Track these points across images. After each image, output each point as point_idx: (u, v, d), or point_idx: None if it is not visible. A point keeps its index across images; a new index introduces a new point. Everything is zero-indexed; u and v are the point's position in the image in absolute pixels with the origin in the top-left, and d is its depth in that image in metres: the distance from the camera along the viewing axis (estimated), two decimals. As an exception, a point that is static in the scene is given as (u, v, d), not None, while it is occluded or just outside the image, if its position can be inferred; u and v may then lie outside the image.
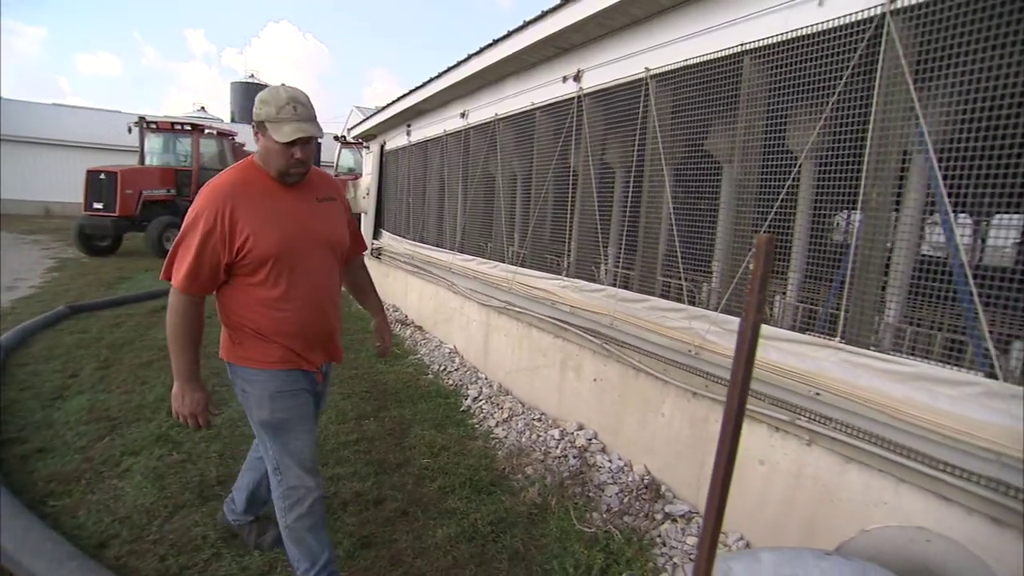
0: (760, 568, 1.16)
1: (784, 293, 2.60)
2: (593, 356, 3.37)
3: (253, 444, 2.31)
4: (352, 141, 11.89)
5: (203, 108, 33.43)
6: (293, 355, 1.91)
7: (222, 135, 14.20)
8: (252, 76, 38.83)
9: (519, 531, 2.56)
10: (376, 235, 8.76)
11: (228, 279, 1.84)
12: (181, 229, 1.77)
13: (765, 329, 2.37)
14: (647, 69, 2.93)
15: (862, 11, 2.00)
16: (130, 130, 12.96)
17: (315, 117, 1.85)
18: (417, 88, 6.16)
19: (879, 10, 1.94)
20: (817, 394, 2.11)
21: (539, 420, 3.68)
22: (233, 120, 32.36)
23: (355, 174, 13.37)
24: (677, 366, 2.75)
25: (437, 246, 6.13)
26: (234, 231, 1.74)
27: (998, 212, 2.68)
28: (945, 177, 1.88)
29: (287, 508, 1.93)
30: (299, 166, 1.85)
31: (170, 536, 2.42)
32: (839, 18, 2.07)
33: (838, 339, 2.10)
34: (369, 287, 2.39)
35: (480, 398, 4.19)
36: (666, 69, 2.84)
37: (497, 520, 2.63)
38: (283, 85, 1.84)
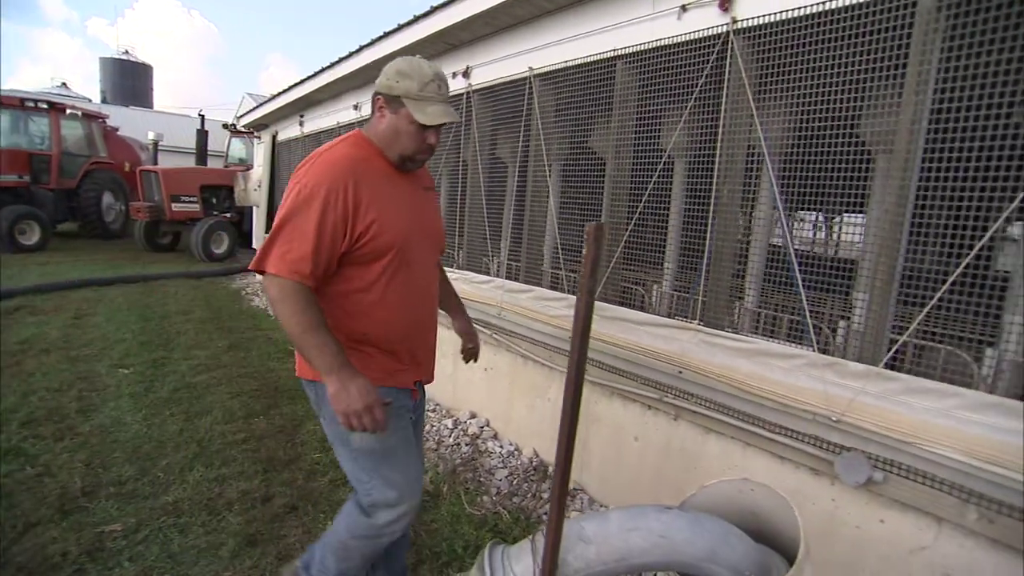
0: (609, 525, 1.29)
1: (660, 282, 2.83)
2: (484, 346, 3.47)
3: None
4: (242, 130, 11.20)
5: (64, 84, 29.78)
6: (393, 369, 1.62)
7: (90, 117, 12.82)
8: (127, 52, 35.09)
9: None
10: (269, 229, 8.37)
11: (338, 268, 1.53)
12: (285, 208, 1.44)
13: (638, 315, 2.58)
14: (531, 68, 3.06)
15: (711, 28, 2.23)
16: None
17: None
18: (309, 78, 5.96)
19: (724, 28, 2.18)
20: (680, 372, 2.33)
21: (433, 411, 3.73)
22: (104, 100, 29.20)
23: (246, 165, 12.61)
24: (561, 352, 2.91)
25: (333, 240, 5.98)
26: (357, 212, 1.45)
27: (847, 212, 3.09)
28: (783, 178, 2.15)
29: (362, 535, 1.66)
30: (428, 152, 1.61)
31: (18, 559, 2.20)
32: (694, 32, 2.30)
33: (697, 322, 2.34)
34: (449, 284, 2.07)
35: (376, 393, 4.16)
36: (549, 69, 2.98)
37: (388, 510, 2.65)
38: (422, 58, 1.58)
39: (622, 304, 2.73)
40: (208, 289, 8.38)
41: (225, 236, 11.25)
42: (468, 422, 3.48)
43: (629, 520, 1.29)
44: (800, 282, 2.02)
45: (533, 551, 1.27)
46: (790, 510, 1.35)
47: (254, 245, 9.53)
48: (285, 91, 6.88)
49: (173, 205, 11.33)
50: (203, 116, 13.72)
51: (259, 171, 8.90)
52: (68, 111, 12.22)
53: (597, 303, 2.73)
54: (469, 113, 3.54)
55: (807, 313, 1.99)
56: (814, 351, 1.97)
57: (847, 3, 1.84)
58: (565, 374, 2.86)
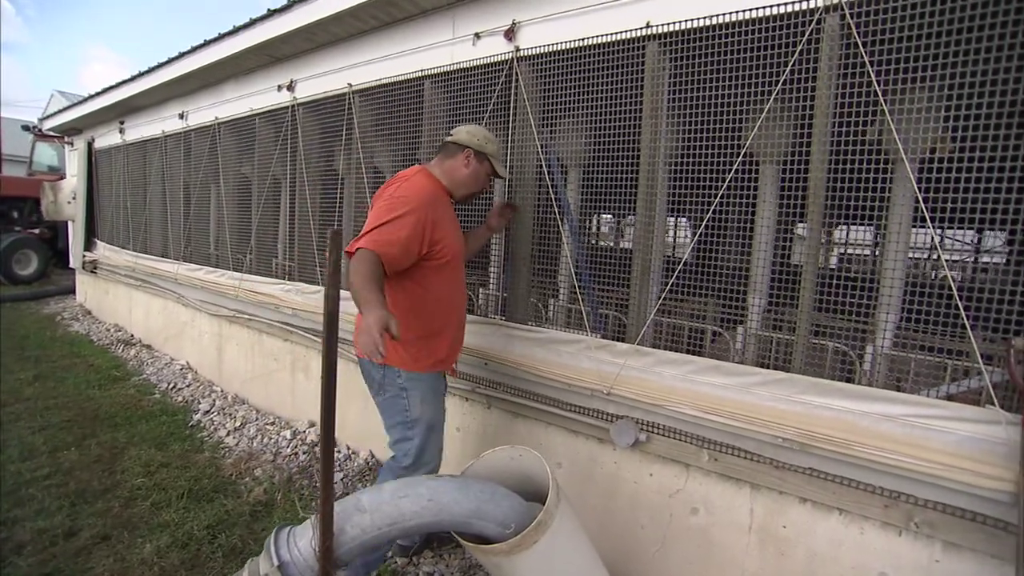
0: (382, 495, 1.45)
1: (484, 286, 3.06)
2: (319, 355, 3.48)
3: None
4: (51, 134, 9.74)
5: None
6: (444, 357, 2.14)
7: None
8: None
9: (239, 529, 2.57)
10: (89, 246, 7.52)
11: (409, 274, 1.96)
12: (381, 213, 1.87)
13: (454, 314, 2.78)
14: (350, 84, 3.17)
15: (500, 54, 2.51)
16: None
17: None
18: (126, 81, 5.51)
19: (510, 55, 2.47)
20: (486, 364, 2.57)
21: (272, 424, 3.67)
22: None
23: (58, 174, 10.98)
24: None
25: (162, 256, 5.56)
26: (436, 228, 1.94)
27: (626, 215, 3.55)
28: (582, 185, 2.48)
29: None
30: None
31: None
32: (486, 57, 2.57)
33: (500, 317, 2.60)
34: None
35: (212, 411, 3.98)
36: (367, 85, 3.12)
37: (216, 523, 2.60)
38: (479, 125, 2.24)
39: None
40: (9, 317, 7.34)
41: (33, 255, 9.85)
42: (306, 431, 3.48)
43: (401, 489, 1.47)
44: (576, 278, 2.35)
45: (313, 526, 1.39)
46: (544, 466, 1.60)
47: (72, 264, 8.44)
48: (100, 93, 6.26)
49: (-50, 218, 9.67)
50: (-7, 115, 11.81)
51: (73, 181, 7.95)
52: None
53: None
54: (295, 126, 3.56)
55: (581, 304, 2.33)
56: (588, 335, 2.30)
57: (599, 42, 2.20)
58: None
